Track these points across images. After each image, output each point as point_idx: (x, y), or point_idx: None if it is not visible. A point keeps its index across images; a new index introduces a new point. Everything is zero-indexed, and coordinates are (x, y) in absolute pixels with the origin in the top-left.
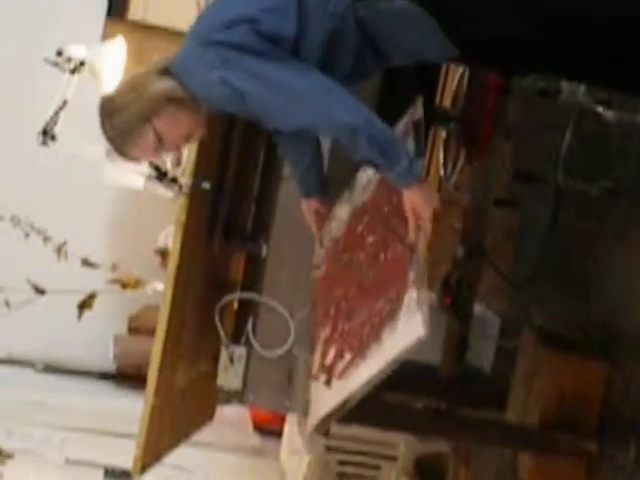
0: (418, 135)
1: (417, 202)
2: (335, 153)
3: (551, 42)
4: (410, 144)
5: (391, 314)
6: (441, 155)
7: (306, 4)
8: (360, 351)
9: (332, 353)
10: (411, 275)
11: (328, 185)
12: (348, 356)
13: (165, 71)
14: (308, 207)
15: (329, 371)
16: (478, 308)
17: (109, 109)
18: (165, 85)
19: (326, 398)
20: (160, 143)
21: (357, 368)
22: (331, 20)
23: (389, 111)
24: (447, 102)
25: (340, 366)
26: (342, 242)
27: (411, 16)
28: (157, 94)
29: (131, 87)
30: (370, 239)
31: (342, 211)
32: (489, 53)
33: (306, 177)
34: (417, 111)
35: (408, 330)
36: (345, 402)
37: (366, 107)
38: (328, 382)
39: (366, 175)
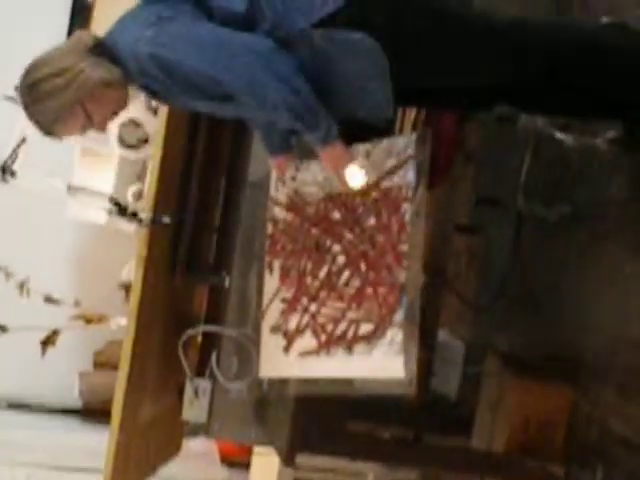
0: (421, 166)
1: (334, 161)
2: None
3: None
4: (410, 172)
5: (369, 336)
6: (424, 191)
7: None
8: (326, 346)
9: (293, 322)
10: (399, 314)
11: (291, 139)
12: (312, 341)
13: (95, 49)
14: (275, 164)
15: (289, 340)
16: (442, 335)
17: (36, 95)
18: (102, 71)
19: (281, 362)
20: (90, 122)
21: (319, 358)
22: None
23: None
24: (407, 131)
25: (301, 344)
26: (312, 214)
27: (366, 51)
28: (91, 82)
29: (60, 71)
30: (349, 237)
31: (316, 174)
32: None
33: (269, 135)
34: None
35: (386, 365)
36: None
37: (292, 71)
38: (286, 349)
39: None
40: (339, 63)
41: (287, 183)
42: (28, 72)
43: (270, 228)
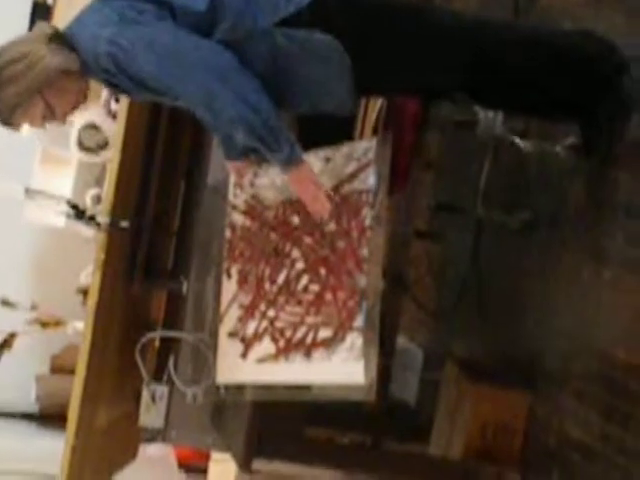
0: (381, 171)
1: (299, 183)
2: None
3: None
4: (371, 178)
5: (328, 341)
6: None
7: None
8: (285, 351)
9: (251, 327)
10: (359, 319)
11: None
12: (271, 347)
13: (55, 38)
14: (233, 169)
15: (247, 345)
16: (401, 341)
17: None
18: (61, 58)
19: (238, 368)
20: (50, 113)
21: (277, 364)
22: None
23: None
24: (367, 136)
25: (259, 350)
26: (271, 218)
27: (327, 51)
28: (51, 68)
29: (19, 58)
30: (308, 242)
31: (274, 178)
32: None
33: (228, 140)
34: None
35: (345, 371)
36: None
37: (252, 88)
38: (244, 355)
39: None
40: (301, 62)
41: (245, 188)
42: None
43: (228, 233)
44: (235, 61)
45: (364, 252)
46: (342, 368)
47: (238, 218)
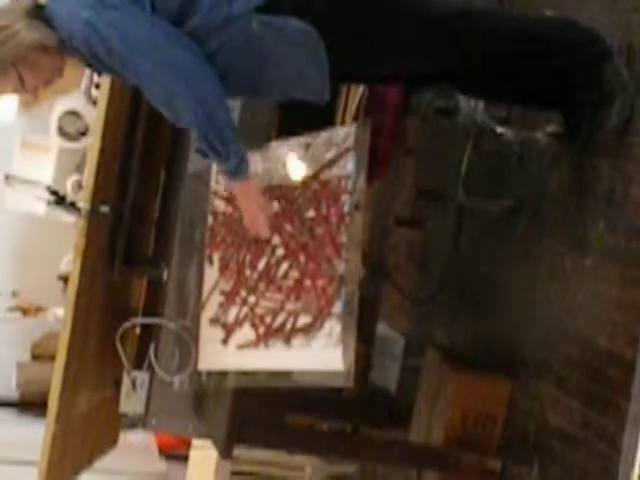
0: (360, 157)
1: (243, 197)
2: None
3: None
4: (350, 164)
5: (307, 328)
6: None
7: None
8: (265, 338)
9: (232, 314)
10: (338, 306)
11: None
12: (251, 333)
13: (34, 12)
14: None
15: (227, 331)
16: (381, 328)
17: None
18: (37, 34)
19: (219, 354)
20: (21, 86)
21: (257, 350)
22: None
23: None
24: (348, 121)
25: (239, 336)
26: None
27: (302, 37)
28: (27, 42)
29: None
30: (288, 229)
31: (256, 165)
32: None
33: None
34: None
35: (324, 357)
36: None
37: (214, 96)
38: (225, 342)
39: (288, 152)
40: (276, 48)
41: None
42: None
43: (210, 220)
44: (204, 63)
45: (343, 238)
46: (321, 354)
47: (219, 204)
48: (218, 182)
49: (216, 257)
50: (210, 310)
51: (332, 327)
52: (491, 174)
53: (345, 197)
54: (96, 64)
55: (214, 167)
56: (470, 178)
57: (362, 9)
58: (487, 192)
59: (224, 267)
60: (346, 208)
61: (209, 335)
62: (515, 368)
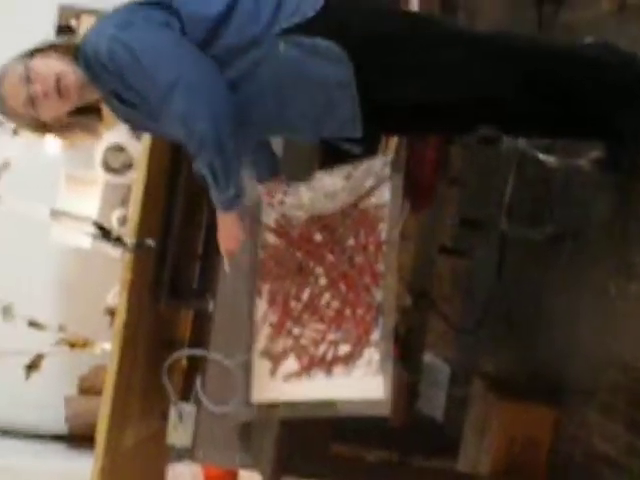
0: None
1: (222, 231)
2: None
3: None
4: (387, 192)
5: (347, 357)
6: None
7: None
8: (308, 369)
9: (280, 346)
10: (376, 334)
11: (278, 164)
12: (295, 364)
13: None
14: (263, 190)
15: (275, 363)
16: (427, 357)
17: None
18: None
19: (268, 386)
20: (28, 79)
21: (300, 381)
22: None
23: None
24: (390, 152)
25: (285, 368)
26: (297, 237)
27: (330, 57)
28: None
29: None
30: (330, 258)
31: (302, 196)
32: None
33: (256, 162)
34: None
35: (365, 386)
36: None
37: (225, 124)
38: (272, 373)
39: (332, 182)
40: (305, 70)
41: (276, 207)
42: None
43: (260, 253)
44: (225, 89)
45: (380, 267)
46: (361, 383)
47: (269, 237)
48: (267, 215)
49: (265, 289)
50: (260, 342)
51: (371, 355)
52: (535, 202)
53: (382, 225)
54: (120, 88)
55: (264, 200)
56: (513, 206)
57: (399, 31)
58: (531, 220)
59: (272, 299)
60: (383, 236)
61: (259, 367)
62: (560, 395)
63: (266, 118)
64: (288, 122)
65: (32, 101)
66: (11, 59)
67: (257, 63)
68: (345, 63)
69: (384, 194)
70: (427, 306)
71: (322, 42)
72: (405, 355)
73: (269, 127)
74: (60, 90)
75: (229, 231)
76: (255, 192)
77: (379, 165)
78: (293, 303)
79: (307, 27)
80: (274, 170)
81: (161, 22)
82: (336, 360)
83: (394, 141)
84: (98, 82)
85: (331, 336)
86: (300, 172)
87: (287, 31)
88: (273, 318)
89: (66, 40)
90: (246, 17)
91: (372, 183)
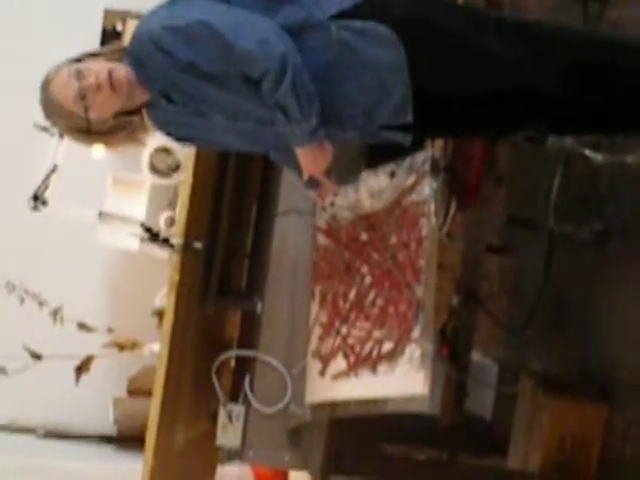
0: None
1: (309, 161)
2: None
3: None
4: (427, 188)
5: (390, 355)
6: (432, 205)
7: None
8: (354, 367)
9: (329, 345)
10: (416, 331)
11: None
12: (343, 363)
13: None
14: (315, 192)
15: (324, 363)
16: (475, 356)
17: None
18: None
19: (319, 386)
20: (79, 74)
21: (348, 380)
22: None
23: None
24: (437, 152)
25: (334, 367)
26: (344, 237)
27: (382, 41)
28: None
29: None
30: (375, 257)
31: (350, 197)
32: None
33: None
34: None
35: (407, 382)
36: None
37: (297, 55)
38: (322, 373)
39: (377, 181)
40: (357, 53)
41: (327, 209)
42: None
43: (314, 255)
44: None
45: (421, 263)
46: (404, 380)
47: (321, 238)
48: (319, 217)
49: (317, 290)
50: (312, 343)
51: (412, 352)
52: (582, 199)
53: (423, 221)
54: (170, 85)
55: (318, 203)
56: (561, 204)
57: (446, 17)
58: (578, 217)
59: (322, 299)
60: (424, 232)
61: (311, 367)
62: (610, 392)
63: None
64: (339, 112)
65: (83, 95)
66: (58, 64)
67: (309, 48)
68: (397, 46)
69: (424, 190)
70: (475, 305)
71: (374, 25)
72: (453, 354)
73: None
74: (112, 83)
75: (314, 158)
76: (302, 193)
77: (420, 161)
78: (341, 302)
79: (356, 12)
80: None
81: None
82: (380, 358)
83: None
84: (148, 82)
85: (376, 334)
86: (347, 173)
87: (337, 16)
88: (323, 318)
89: (111, 47)
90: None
91: (413, 180)
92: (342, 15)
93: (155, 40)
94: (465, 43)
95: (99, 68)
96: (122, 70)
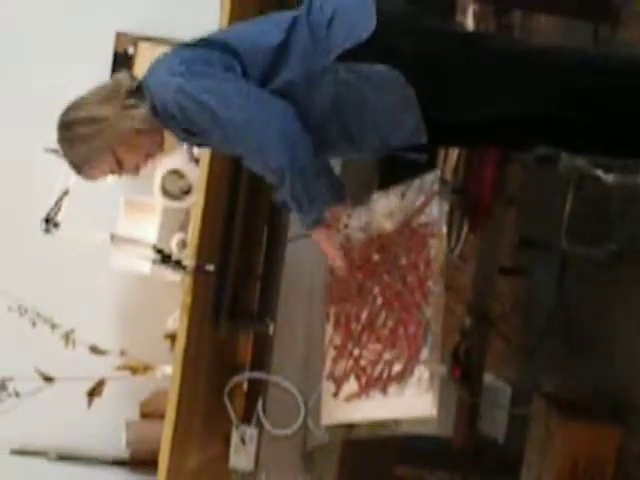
0: (442, 202)
1: (322, 238)
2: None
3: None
4: (435, 208)
5: (399, 376)
6: (443, 226)
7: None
8: (366, 389)
9: (342, 367)
10: (424, 352)
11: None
12: (355, 385)
13: (130, 92)
14: (329, 215)
15: (337, 385)
16: (488, 377)
17: (69, 136)
18: (130, 123)
19: (333, 408)
20: (119, 167)
21: (360, 401)
22: (308, 69)
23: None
24: (448, 173)
25: (346, 389)
26: (357, 258)
27: (389, 82)
28: (126, 130)
29: (93, 118)
30: (386, 278)
31: (362, 218)
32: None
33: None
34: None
35: (417, 404)
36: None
37: (307, 151)
38: (335, 395)
39: (388, 202)
40: (365, 95)
41: (341, 230)
42: (67, 111)
43: (328, 277)
44: (296, 120)
45: (430, 284)
46: (413, 401)
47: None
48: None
49: (331, 312)
50: (327, 365)
51: (421, 373)
52: (594, 220)
53: (432, 242)
54: (191, 131)
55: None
56: (573, 225)
57: (451, 50)
58: (590, 239)
59: (336, 321)
60: (432, 253)
61: (325, 390)
62: (623, 414)
63: (331, 140)
64: (354, 142)
65: (121, 174)
66: (88, 140)
67: (321, 92)
68: (405, 88)
69: (433, 210)
70: (487, 327)
71: (380, 70)
72: (466, 376)
73: (334, 146)
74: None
75: (327, 235)
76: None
77: (429, 182)
78: (354, 324)
79: (361, 51)
80: (340, 196)
81: (224, 67)
82: (390, 379)
83: (452, 158)
84: (167, 126)
85: (387, 355)
86: (359, 194)
87: (342, 57)
88: (337, 340)
89: (129, 84)
90: (301, 50)
91: (422, 200)
92: (347, 55)
93: (172, 105)
94: (476, 74)
95: (138, 157)
96: (157, 147)
